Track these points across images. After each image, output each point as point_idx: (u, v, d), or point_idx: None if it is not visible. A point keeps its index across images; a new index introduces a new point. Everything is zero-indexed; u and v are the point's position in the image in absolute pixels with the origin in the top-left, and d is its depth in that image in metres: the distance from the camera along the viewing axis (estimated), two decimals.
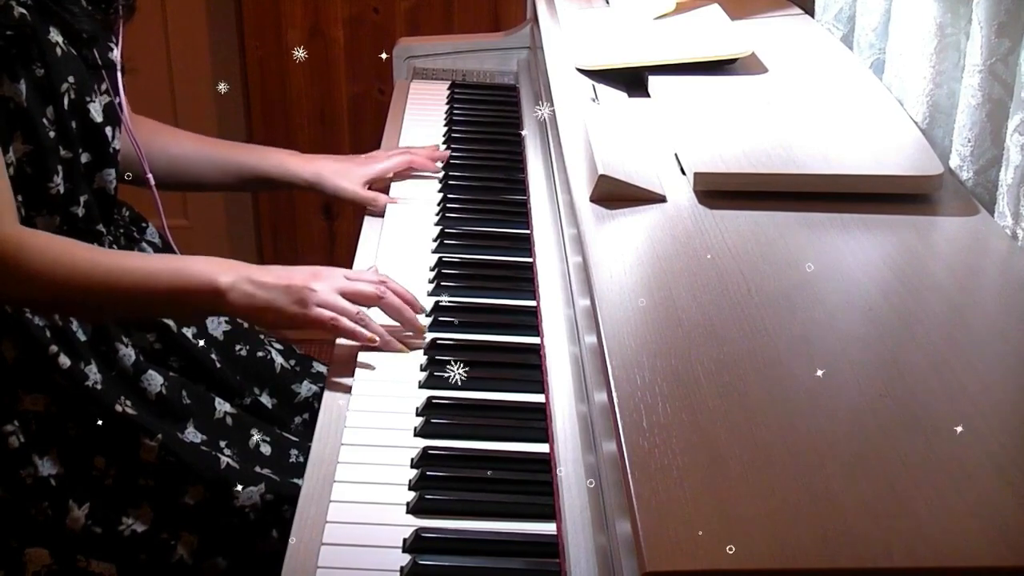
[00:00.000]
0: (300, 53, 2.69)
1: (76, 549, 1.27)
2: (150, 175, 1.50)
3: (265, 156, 1.64)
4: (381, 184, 1.69)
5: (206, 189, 1.70)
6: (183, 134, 1.63)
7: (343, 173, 1.64)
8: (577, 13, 1.72)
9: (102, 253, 1.30)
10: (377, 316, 1.31)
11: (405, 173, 1.72)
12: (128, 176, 1.47)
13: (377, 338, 1.27)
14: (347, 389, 1.24)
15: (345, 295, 1.28)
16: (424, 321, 1.34)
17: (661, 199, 1.18)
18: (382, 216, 1.62)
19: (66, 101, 1.29)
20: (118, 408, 1.30)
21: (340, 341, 1.30)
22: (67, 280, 1.23)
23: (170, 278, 1.26)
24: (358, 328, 1.27)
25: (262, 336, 1.58)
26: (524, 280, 1.43)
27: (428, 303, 1.38)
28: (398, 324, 1.32)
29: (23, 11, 1.24)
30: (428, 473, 1.11)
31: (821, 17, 1.73)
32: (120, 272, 1.25)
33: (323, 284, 1.27)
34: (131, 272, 1.26)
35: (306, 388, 1.57)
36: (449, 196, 1.65)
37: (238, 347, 1.53)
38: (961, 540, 0.72)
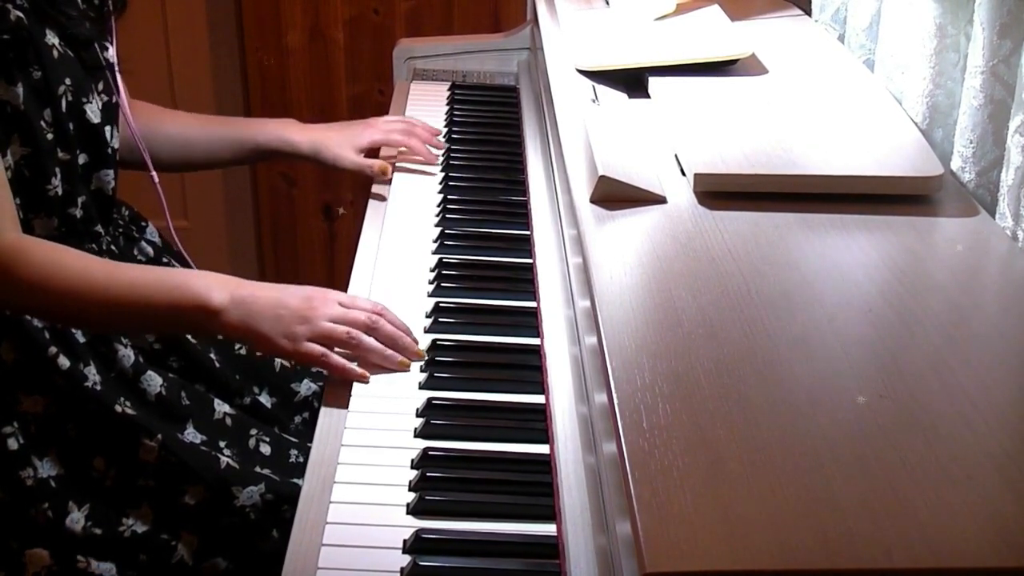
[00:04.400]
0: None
1: (76, 550, 1.27)
2: (154, 173, 1.50)
3: (264, 128, 1.66)
4: (387, 161, 1.71)
5: (211, 167, 1.72)
6: (181, 114, 1.65)
7: (339, 142, 1.66)
8: (577, 14, 1.73)
9: (99, 264, 1.29)
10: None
11: (406, 169, 1.72)
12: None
13: (367, 375, 1.24)
14: (347, 390, 1.24)
15: (337, 333, 1.25)
16: (418, 343, 1.30)
17: (661, 200, 1.18)
18: (388, 184, 1.65)
19: (64, 103, 1.30)
20: (118, 409, 1.31)
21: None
22: (62, 290, 1.22)
23: (165, 294, 1.25)
24: (348, 366, 1.24)
25: None
26: (524, 281, 1.43)
27: (428, 304, 1.38)
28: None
29: (19, 14, 1.24)
30: (428, 474, 1.11)
31: (819, 17, 1.73)
32: (115, 285, 1.24)
33: (316, 314, 1.24)
34: (126, 286, 1.25)
35: (306, 387, 1.57)
36: (449, 197, 1.65)
37: (237, 346, 1.53)
38: (961, 540, 0.72)
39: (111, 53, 1.40)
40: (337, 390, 1.25)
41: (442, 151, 1.78)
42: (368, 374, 1.24)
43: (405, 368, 1.26)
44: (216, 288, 1.24)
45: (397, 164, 1.73)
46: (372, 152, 1.70)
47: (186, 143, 1.61)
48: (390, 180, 1.69)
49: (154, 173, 1.50)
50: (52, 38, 1.29)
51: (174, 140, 1.60)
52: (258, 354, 1.54)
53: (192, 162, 1.65)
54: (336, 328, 1.25)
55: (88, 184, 1.36)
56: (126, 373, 1.36)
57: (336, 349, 1.25)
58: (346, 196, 2.82)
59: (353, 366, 1.24)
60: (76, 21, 1.31)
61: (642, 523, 0.73)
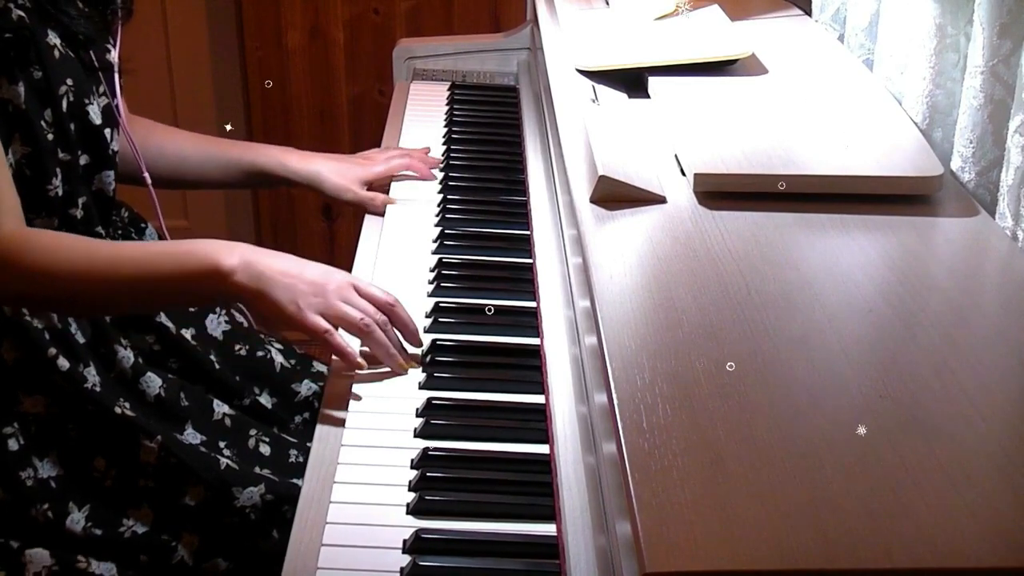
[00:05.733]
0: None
1: (76, 550, 1.27)
2: (147, 174, 1.50)
3: (263, 153, 1.64)
4: (380, 185, 1.69)
5: (204, 187, 1.71)
6: (180, 133, 1.63)
7: (341, 173, 1.64)
8: (577, 14, 1.73)
9: (102, 244, 1.29)
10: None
11: (403, 175, 1.72)
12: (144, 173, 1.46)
13: (364, 364, 1.23)
14: (347, 389, 1.24)
15: (351, 318, 1.24)
16: (422, 347, 1.30)
17: (661, 200, 1.18)
18: (382, 216, 1.62)
19: (64, 103, 1.30)
20: (117, 410, 1.30)
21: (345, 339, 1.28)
22: (69, 274, 1.22)
23: (172, 262, 1.24)
24: (349, 349, 1.23)
25: (262, 335, 1.58)
26: (524, 281, 1.43)
27: (428, 304, 1.38)
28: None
29: (21, 14, 1.24)
30: (428, 474, 1.11)
31: (819, 17, 1.73)
32: (121, 261, 1.24)
33: (329, 289, 1.24)
34: (132, 260, 1.25)
35: (306, 387, 1.56)
36: (449, 196, 1.65)
37: (237, 347, 1.53)
38: (961, 541, 0.72)
39: (113, 56, 1.40)
40: (337, 390, 1.24)
41: (440, 166, 1.76)
42: (365, 364, 1.24)
43: (403, 371, 1.26)
44: (225, 251, 1.23)
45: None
46: (373, 187, 1.67)
47: (180, 160, 1.59)
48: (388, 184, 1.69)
49: (147, 174, 1.49)
50: (54, 38, 1.29)
51: (171, 160, 1.58)
52: (257, 354, 1.54)
53: (185, 180, 1.63)
54: (350, 312, 1.23)
55: (89, 185, 1.36)
56: (125, 374, 1.36)
57: (341, 332, 1.25)
58: None
59: (354, 351, 1.24)
60: (76, 21, 1.31)
61: (642, 523, 0.73)
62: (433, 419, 1.19)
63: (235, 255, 1.23)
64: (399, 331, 1.28)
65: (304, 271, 1.25)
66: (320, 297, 1.23)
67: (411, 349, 1.29)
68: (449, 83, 2.10)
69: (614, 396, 0.86)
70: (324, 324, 1.23)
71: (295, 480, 1.33)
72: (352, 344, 1.25)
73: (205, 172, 1.62)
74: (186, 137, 1.62)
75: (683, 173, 1.24)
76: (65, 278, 1.22)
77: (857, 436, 0.82)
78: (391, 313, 1.27)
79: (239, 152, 1.63)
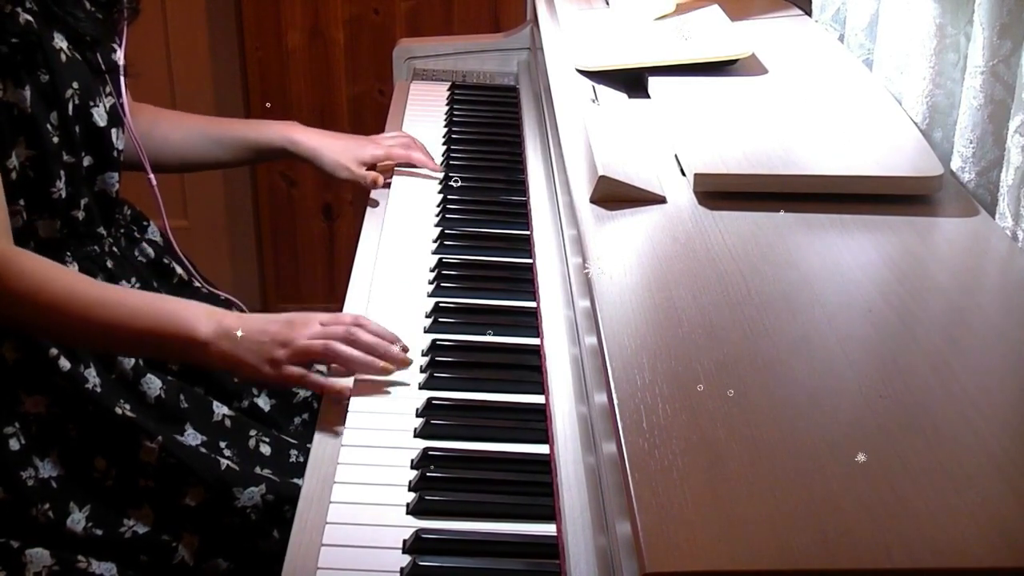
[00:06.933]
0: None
1: (77, 550, 1.27)
2: (152, 176, 1.50)
3: (267, 128, 1.68)
4: (386, 170, 1.71)
5: (210, 167, 1.73)
6: (183, 117, 1.65)
7: (340, 151, 1.67)
8: (577, 14, 1.73)
9: (87, 284, 1.28)
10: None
11: (406, 171, 1.73)
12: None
13: (345, 390, 1.23)
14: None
15: (313, 348, 1.24)
16: (411, 352, 1.29)
17: (661, 200, 1.18)
18: (388, 184, 1.66)
19: (71, 106, 1.30)
20: (118, 411, 1.31)
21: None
22: (48, 306, 1.22)
23: (150, 320, 1.24)
24: (326, 382, 1.24)
25: None
26: (524, 281, 1.43)
27: (428, 304, 1.38)
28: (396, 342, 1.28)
29: (28, 18, 1.25)
30: (428, 474, 1.11)
31: (819, 18, 1.73)
32: (100, 306, 1.23)
33: (295, 335, 1.23)
34: (112, 307, 1.24)
35: (304, 389, 1.56)
36: (449, 197, 1.65)
37: None
38: (961, 541, 0.73)
39: (119, 56, 1.40)
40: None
41: (440, 166, 1.77)
42: (346, 390, 1.23)
43: (388, 372, 1.25)
44: (203, 319, 1.24)
45: (397, 168, 1.73)
46: (371, 166, 1.71)
47: (184, 145, 1.62)
48: (389, 183, 1.69)
49: (152, 176, 1.50)
50: (60, 41, 1.29)
51: (172, 142, 1.60)
52: None
53: (190, 163, 1.66)
54: (312, 344, 1.24)
55: (91, 186, 1.36)
56: (126, 375, 1.36)
57: (319, 367, 1.27)
58: (346, 196, 2.82)
59: (332, 381, 1.24)
60: (83, 23, 1.31)
61: (642, 523, 0.73)
62: (433, 419, 1.19)
63: (212, 323, 1.23)
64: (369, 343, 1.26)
65: (270, 327, 1.24)
66: (287, 347, 1.23)
67: (409, 346, 1.29)
68: (449, 83, 2.10)
69: (614, 396, 0.86)
70: (298, 371, 1.23)
71: (296, 480, 1.33)
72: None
73: (212, 154, 1.65)
74: (190, 120, 1.64)
75: (683, 173, 1.24)
76: (45, 309, 1.22)
77: (857, 436, 0.82)
78: (356, 330, 1.25)
79: (243, 130, 1.67)
